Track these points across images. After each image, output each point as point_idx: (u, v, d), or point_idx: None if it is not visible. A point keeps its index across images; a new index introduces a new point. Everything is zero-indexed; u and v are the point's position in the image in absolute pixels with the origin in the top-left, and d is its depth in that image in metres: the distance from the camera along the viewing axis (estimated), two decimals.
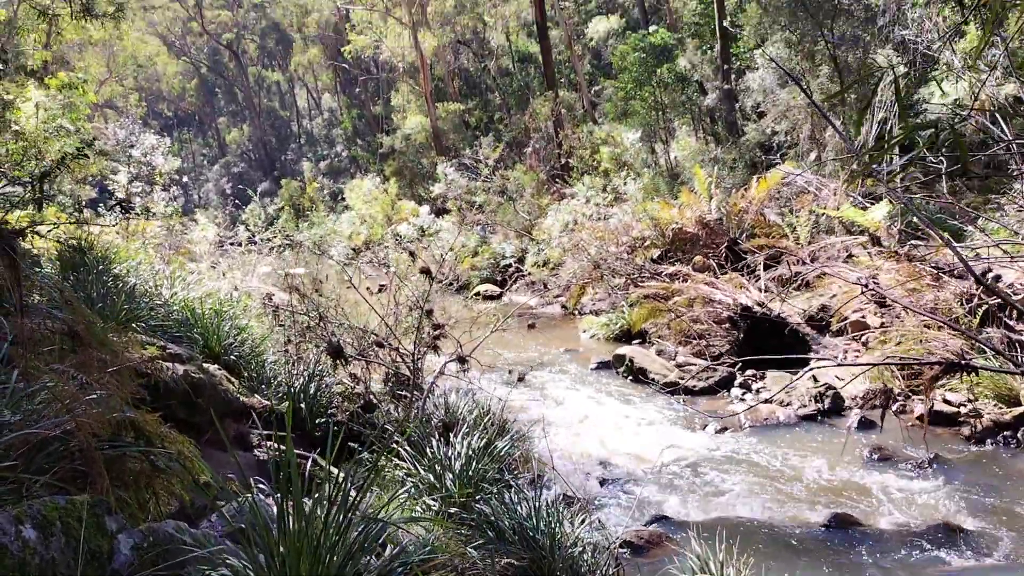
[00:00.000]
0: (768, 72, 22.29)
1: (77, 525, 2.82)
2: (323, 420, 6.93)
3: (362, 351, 7.74)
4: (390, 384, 8.20)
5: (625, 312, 14.45)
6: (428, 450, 5.95)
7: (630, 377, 11.75)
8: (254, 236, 15.01)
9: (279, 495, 2.71)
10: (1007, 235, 10.84)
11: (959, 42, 13.75)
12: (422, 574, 3.09)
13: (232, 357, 7.38)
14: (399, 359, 7.71)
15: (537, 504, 4.93)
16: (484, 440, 6.10)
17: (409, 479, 5.89)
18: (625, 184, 18.25)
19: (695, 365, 11.66)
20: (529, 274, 19.97)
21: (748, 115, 25.24)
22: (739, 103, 24.97)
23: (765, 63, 22.32)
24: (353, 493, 2.97)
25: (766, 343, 11.70)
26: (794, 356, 11.45)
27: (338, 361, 7.38)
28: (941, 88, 13.81)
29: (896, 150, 14.58)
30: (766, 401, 9.66)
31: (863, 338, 11.13)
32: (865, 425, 8.28)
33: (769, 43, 22.94)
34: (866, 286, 10.96)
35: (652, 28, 27.88)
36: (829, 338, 11.83)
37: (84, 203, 14.61)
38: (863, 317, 11.68)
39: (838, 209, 12.83)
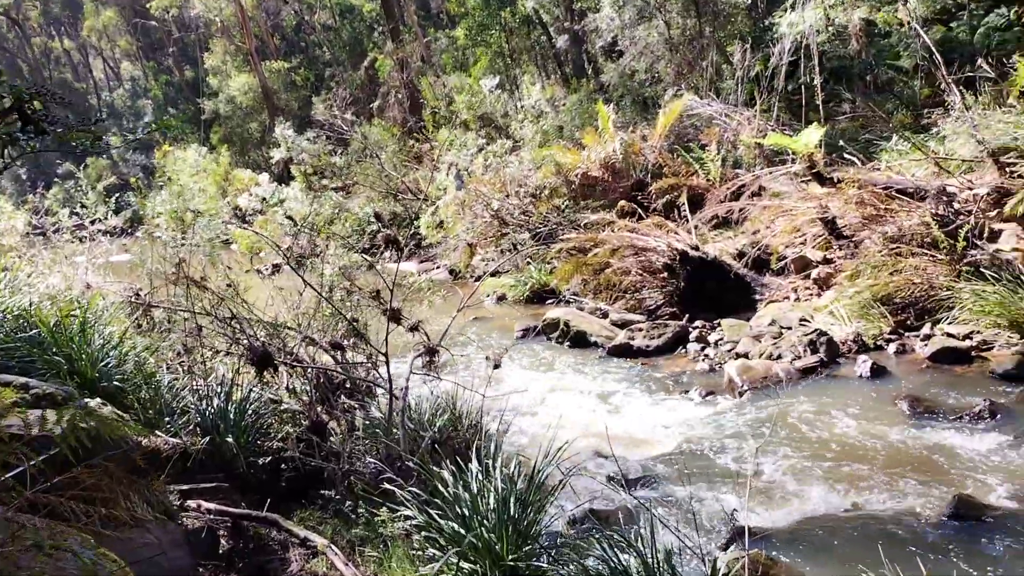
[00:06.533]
0: (616, 10, 21.37)
1: None
2: (264, 458, 5.08)
3: (290, 354, 5.87)
4: (322, 392, 6.38)
5: (533, 270, 13.03)
6: (436, 483, 4.29)
7: (567, 343, 10.39)
8: (82, 220, 12.25)
9: None
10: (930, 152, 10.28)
11: None
12: None
13: (114, 383, 5.31)
14: (341, 360, 5.92)
15: (652, 556, 3.45)
16: (514, 461, 4.52)
17: (419, 531, 4.23)
18: (522, 128, 16.67)
19: (634, 322, 10.45)
20: (404, 238, 18.08)
21: (594, 57, 24.36)
22: (585, 45, 24.03)
23: (612, 1, 21.40)
24: None
25: (704, 290, 10.69)
26: (742, 300, 10.60)
27: (264, 372, 5.50)
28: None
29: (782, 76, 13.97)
30: (738, 355, 8.55)
31: (814, 274, 10.33)
32: (877, 373, 7.29)
33: None
34: (826, 218, 10.10)
35: None
36: (771, 278, 10.96)
37: None
38: (801, 253, 10.88)
39: (760, 136, 11.92)
